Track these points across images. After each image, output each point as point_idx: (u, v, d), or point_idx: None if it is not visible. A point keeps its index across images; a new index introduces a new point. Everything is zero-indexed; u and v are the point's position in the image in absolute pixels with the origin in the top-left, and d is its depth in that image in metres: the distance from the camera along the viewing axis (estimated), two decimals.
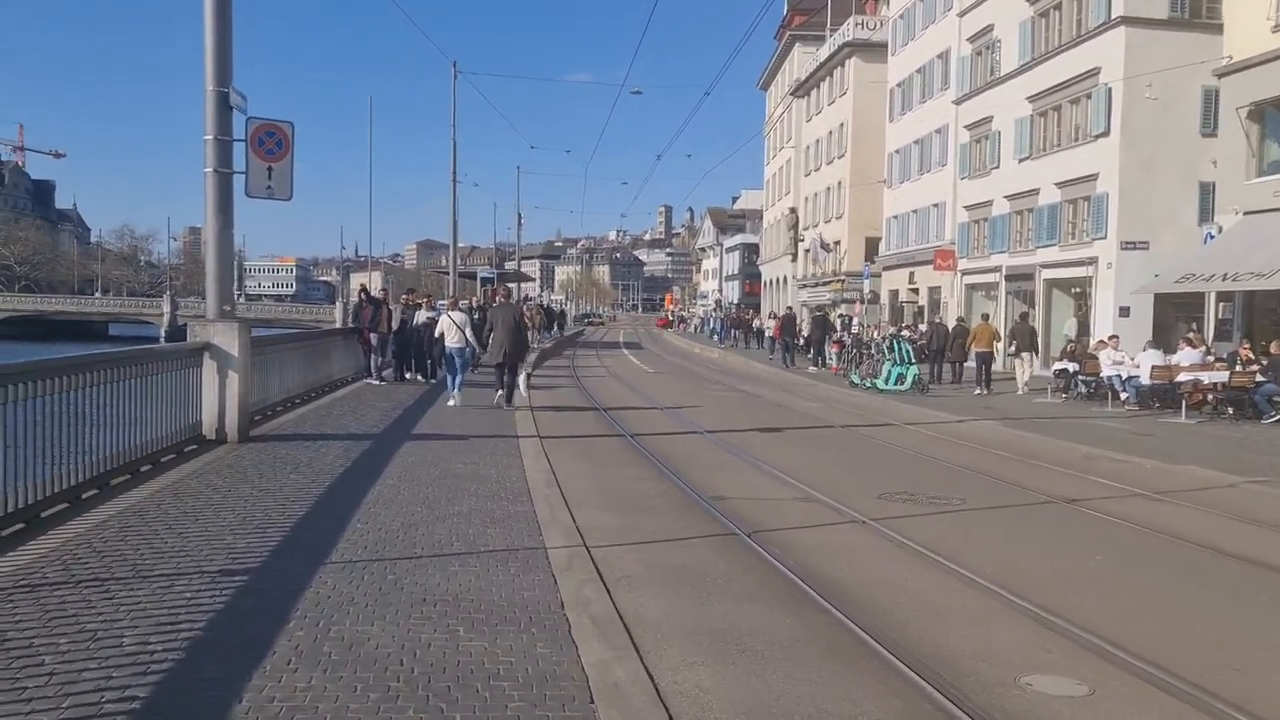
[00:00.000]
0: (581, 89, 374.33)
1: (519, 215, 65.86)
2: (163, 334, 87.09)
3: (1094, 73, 27.95)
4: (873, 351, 27.60)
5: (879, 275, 47.28)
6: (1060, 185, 29.65)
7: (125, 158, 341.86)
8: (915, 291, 42.30)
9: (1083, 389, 22.24)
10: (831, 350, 32.67)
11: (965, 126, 36.33)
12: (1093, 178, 27.98)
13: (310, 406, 15.73)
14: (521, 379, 18.26)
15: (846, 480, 11.00)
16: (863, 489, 10.36)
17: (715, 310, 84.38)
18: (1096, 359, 22.17)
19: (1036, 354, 28.81)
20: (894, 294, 44.52)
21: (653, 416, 17.77)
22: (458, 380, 17.24)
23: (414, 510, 8.10)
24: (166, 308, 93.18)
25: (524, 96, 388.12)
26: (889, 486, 10.50)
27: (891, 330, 31.42)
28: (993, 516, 9.13)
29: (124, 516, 7.40)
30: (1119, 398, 20.81)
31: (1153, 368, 20.28)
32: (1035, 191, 31.11)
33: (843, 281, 50.07)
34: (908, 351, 24.58)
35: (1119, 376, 20.92)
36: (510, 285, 56.28)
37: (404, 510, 8.08)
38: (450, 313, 18.23)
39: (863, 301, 37.65)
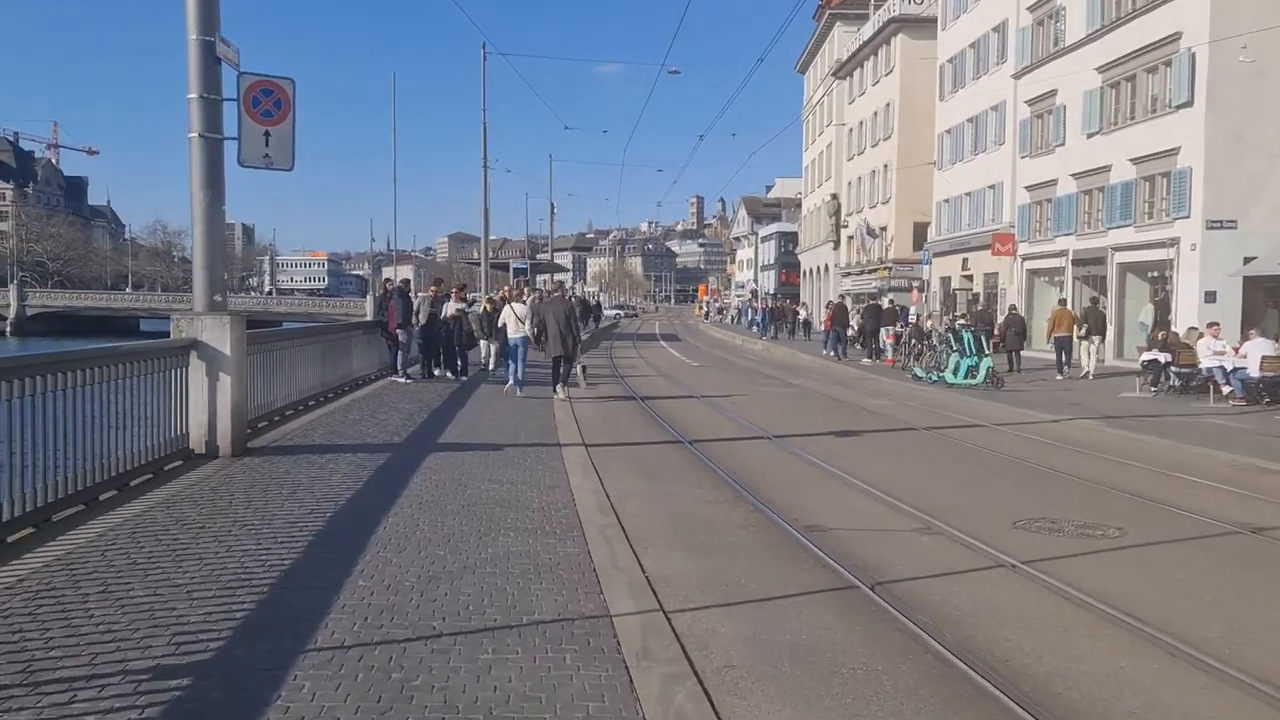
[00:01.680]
0: (614, 74, 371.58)
1: (552, 205, 64.20)
2: None
3: (1174, 38, 25.64)
4: (934, 342, 25.59)
5: (930, 263, 45.12)
6: (1136, 161, 27.36)
7: (159, 154, 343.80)
8: (969, 278, 40.03)
9: (1175, 382, 20.09)
10: (887, 341, 30.66)
11: (1025, 102, 34.01)
12: (1173, 152, 25.68)
13: (324, 410, 14.00)
14: (578, 369, 18.36)
15: (963, 501, 9.08)
16: (988, 514, 8.43)
17: (752, 300, 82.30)
18: (1192, 349, 20.03)
19: (1104, 340, 27.24)
20: (945, 281, 42.24)
21: (708, 417, 15.89)
22: (520, 370, 17.42)
23: (435, 554, 6.30)
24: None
25: (556, 83, 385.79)
26: (1018, 510, 8.55)
27: (959, 319, 29.29)
28: (1173, 555, 7.18)
29: (46, 573, 5.63)
30: (1220, 391, 18.70)
31: (1263, 358, 18.17)
32: (1106, 169, 28.83)
33: (890, 268, 47.89)
34: (976, 341, 22.54)
35: (1221, 368, 18.79)
36: (545, 276, 54.55)
37: (422, 554, 6.29)
38: (513, 304, 18.45)
39: (922, 289, 35.50)
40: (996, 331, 26.70)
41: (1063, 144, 31.52)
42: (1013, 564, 6.65)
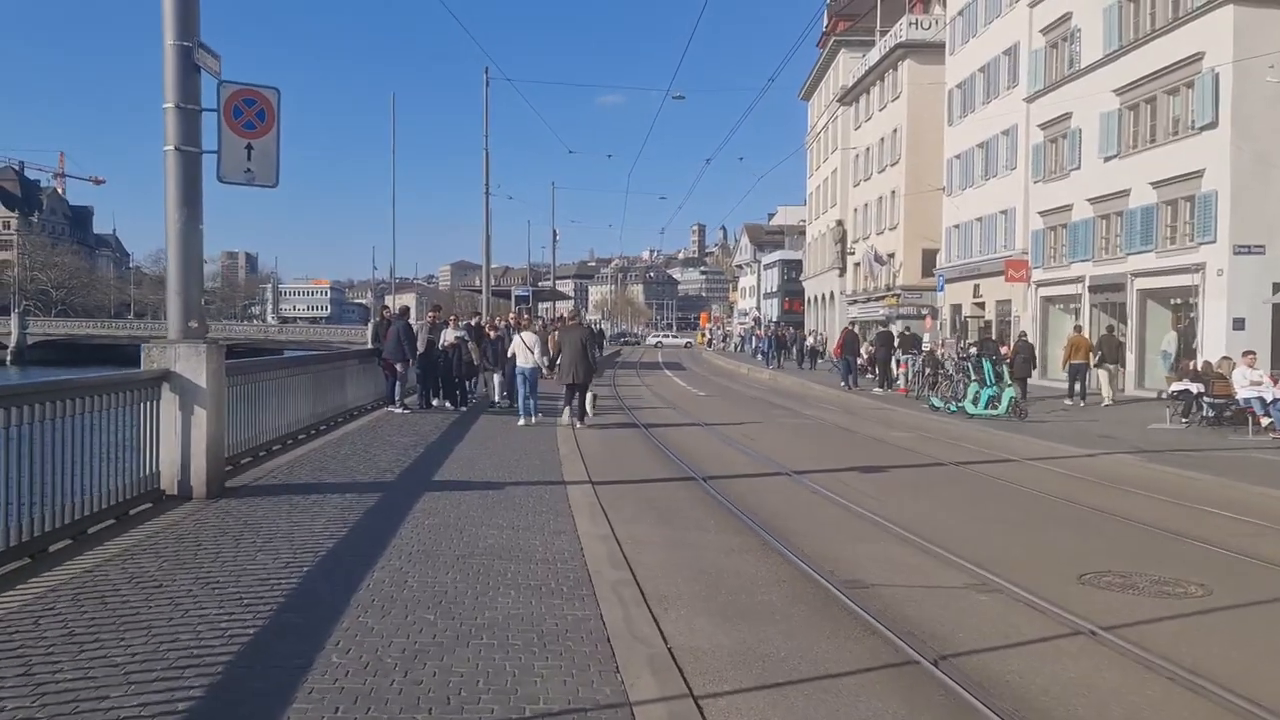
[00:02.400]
0: (617, 104, 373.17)
1: (554, 232, 63.59)
2: None
3: (1196, 58, 24.98)
4: (950, 371, 24.74)
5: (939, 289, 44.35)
6: (1156, 185, 26.63)
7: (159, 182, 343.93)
8: (981, 305, 39.24)
9: (1209, 413, 19.21)
10: (899, 370, 29.80)
11: (1039, 125, 33.35)
12: (1197, 175, 24.95)
13: (314, 444, 13.14)
14: (589, 398, 17.73)
15: (1015, 550, 8.20)
16: (1047, 565, 7.55)
17: (755, 327, 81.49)
18: (1226, 379, 19.17)
19: (1122, 368, 26.67)
20: (956, 309, 41.46)
21: (720, 451, 15.02)
22: (530, 403, 16.92)
23: (424, 618, 5.43)
24: None
25: (559, 110, 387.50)
26: (1079, 561, 7.66)
27: (970, 346, 28.43)
28: (1276, 621, 6.29)
29: None
30: (1259, 423, 17.83)
31: None
32: (1125, 193, 28.08)
33: (898, 295, 47.10)
34: (996, 370, 21.70)
35: (1260, 399, 17.92)
36: (548, 304, 53.84)
37: (409, 619, 5.42)
38: (521, 333, 17.75)
39: (935, 316, 34.68)
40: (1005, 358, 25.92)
41: (1078, 168, 30.82)
42: (1091, 630, 5.76)
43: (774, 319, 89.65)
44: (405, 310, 19.88)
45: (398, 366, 17.96)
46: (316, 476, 10.38)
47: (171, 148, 8.69)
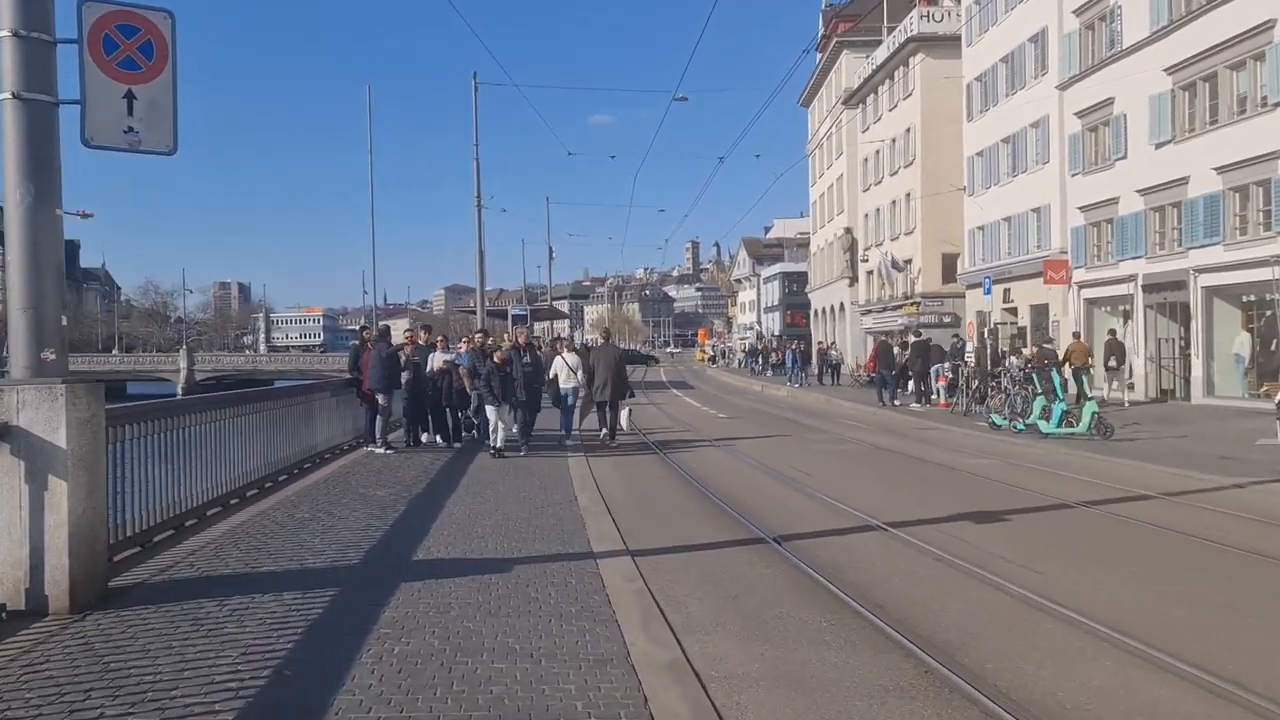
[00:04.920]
0: (606, 125, 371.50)
1: (550, 249, 60.97)
2: (180, 390, 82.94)
3: (1267, 26, 22.34)
4: (1006, 384, 21.94)
5: (961, 295, 41.64)
6: (1222, 170, 23.92)
7: (154, 217, 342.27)
8: (1013, 311, 36.49)
9: None
10: (939, 383, 27.00)
11: (1075, 114, 30.69)
12: (1273, 156, 22.25)
13: (264, 504, 10.30)
14: (624, 415, 18.25)
15: (1266, 647, 5.40)
16: None
17: (758, 341, 78.61)
18: None
19: (1129, 369, 26.42)
20: (982, 315, 38.67)
21: (774, 492, 12.18)
22: (572, 421, 17.09)
23: None
24: (183, 363, 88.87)
25: (552, 127, 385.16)
26: None
27: (1025, 354, 25.64)
28: None
29: None
30: None
31: None
32: (1184, 181, 25.38)
33: (918, 303, 44.33)
34: (1063, 381, 18.95)
35: None
36: (545, 324, 51.09)
37: None
38: (564, 354, 17.76)
39: (986, 325, 31.94)
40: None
41: (1124, 157, 28.13)
42: None
43: (776, 333, 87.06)
44: (386, 330, 16.96)
45: (379, 398, 15.13)
46: (251, 561, 7.51)
47: (8, 95, 5.89)
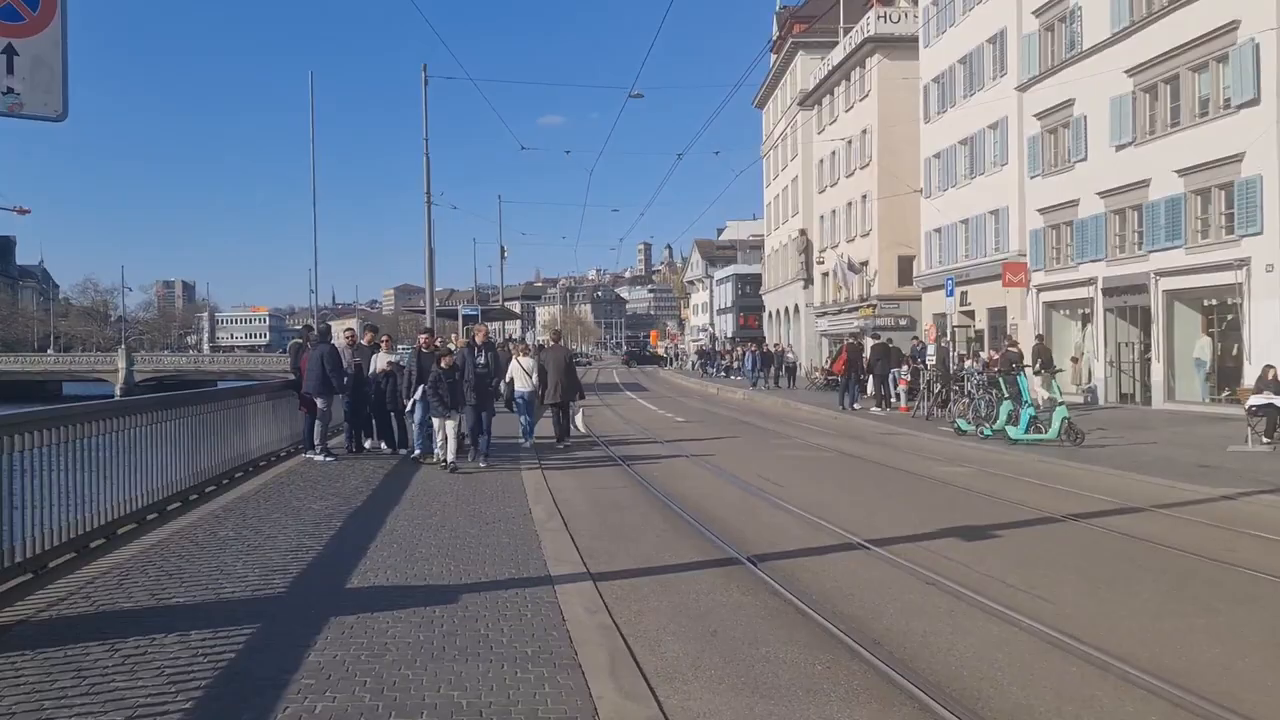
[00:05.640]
0: (555, 125, 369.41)
1: (502, 249, 59.65)
2: (118, 391, 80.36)
3: (1230, 28, 22.14)
4: (970, 388, 21.48)
5: (918, 298, 41.34)
6: (1183, 173, 23.71)
7: (96, 215, 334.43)
8: (970, 314, 36.22)
9: None
10: (899, 387, 26.53)
11: (1034, 115, 30.44)
12: (1235, 159, 22.05)
13: (186, 520, 9.33)
14: (578, 417, 18.04)
15: None
16: None
17: (712, 344, 78.09)
18: None
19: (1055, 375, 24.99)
20: (938, 318, 38.37)
21: (744, 504, 11.42)
22: (530, 426, 17.21)
23: None
24: (122, 363, 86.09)
25: (501, 126, 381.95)
26: None
27: (983, 357, 25.24)
28: None
29: None
30: None
31: None
32: (1144, 183, 25.16)
33: (874, 306, 44.00)
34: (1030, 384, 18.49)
35: None
36: (495, 325, 50.06)
37: None
38: (519, 358, 17.42)
39: (948, 327, 31.58)
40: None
41: (1084, 159, 27.90)
42: None
43: (730, 334, 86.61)
44: (327, 331, 15.93)
45: (318, 402, 14.11)
46: (159, 590, 6.56)
47: None
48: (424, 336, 16.22)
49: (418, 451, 14.61)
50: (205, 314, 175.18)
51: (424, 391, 13.87)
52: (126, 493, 8.69)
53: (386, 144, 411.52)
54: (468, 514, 9.84)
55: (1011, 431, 17.42)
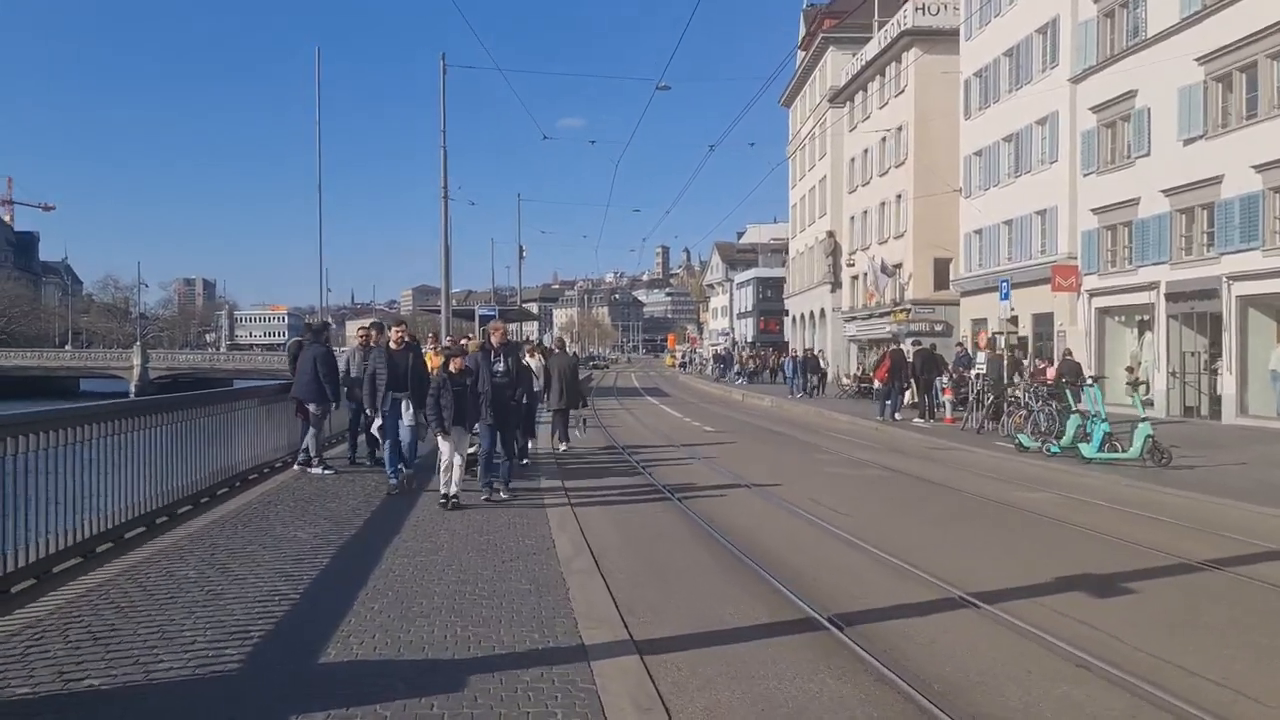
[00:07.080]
0: (575, 128, 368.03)
1: (520, 247, 58.12)
2: (133, 388, 79.25)
3: None
4: (1027, 400, 19.69)
5: (955, 302, 39.52)
6: (1261, 169, 21.85)
7: (121, 212, 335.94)
8: (1013, 320, 34.33)
9: None
10: (945, 397, 24.75)
11: (1090, 109, 28.59)
12: None
13: (141, 553, 7.75)
14: (576, 430, 18.09)
15: None
16: None
17: (732, 349, 76.16)
18: None
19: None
20: (978, 323, 36.52)
21: (804, 537, 9.76)
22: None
23: None
24: (137, 360, 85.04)
25: (521, 133, 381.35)
26: None
27: (1038, 367, 23.45)
28: None
29: None
30: None
31: None
32: (1216, 180, 23.30)
33: (908, 310, 42.17)
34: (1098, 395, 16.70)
35: None
36: (514, 325, 48.45)
37: None
38: (527, 359, 14.98)
39: (998, 333, 29.73)
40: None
41: (1146, 154, 26.05)
42: None
43: (750, 339, 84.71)
44: (323, 327, 14.23)
45: (311, 408, 12.51)
46: (70, 668, 4.93)
47: None
48: (396, 330, 11.96)
49: (392, 481, 11.53)
50: (224, 311, 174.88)
51: (395, 402, 11.49)
52: (67, 521, 7.14)
53: (405, 143, 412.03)
54: (478, 547, 8.22)
55: (1084, 449, 15.64)
